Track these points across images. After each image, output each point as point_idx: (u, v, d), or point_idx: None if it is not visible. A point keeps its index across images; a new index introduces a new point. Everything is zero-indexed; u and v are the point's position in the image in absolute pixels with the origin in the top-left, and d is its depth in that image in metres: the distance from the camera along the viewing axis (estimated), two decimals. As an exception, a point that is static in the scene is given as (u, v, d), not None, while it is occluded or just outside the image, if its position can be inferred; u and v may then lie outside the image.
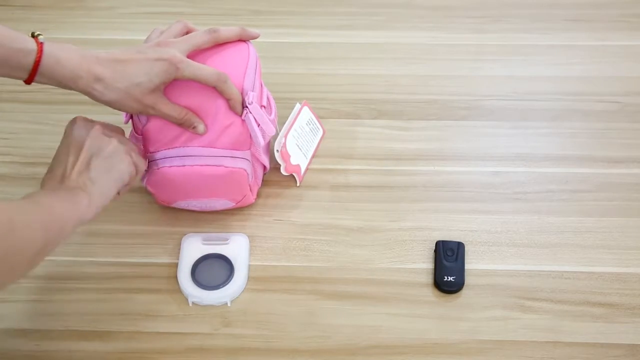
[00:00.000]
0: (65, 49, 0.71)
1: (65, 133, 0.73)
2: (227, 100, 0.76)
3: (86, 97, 0.99)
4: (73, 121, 0.74)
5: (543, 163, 0.92)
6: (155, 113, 0.75)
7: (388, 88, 1.03)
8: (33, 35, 0.70)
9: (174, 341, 0.76)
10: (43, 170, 0.91)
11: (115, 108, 0.75)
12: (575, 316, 0.77)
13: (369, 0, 1.18)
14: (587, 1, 1.17)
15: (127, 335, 0.76)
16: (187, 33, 0.79)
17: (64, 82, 0.71)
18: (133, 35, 1.11)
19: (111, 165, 0.71)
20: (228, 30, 0.79)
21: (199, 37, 0.77)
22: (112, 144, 0.72)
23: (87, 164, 0.70)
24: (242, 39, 0.80)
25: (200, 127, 0.76)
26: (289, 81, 1.03)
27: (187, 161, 0.77)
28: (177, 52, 0.73)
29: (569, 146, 0.94)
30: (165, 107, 0.75)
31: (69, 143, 0.72)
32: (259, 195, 0.87)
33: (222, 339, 0.76)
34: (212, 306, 0.78)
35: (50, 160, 0.91)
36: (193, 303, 0.78)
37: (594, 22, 1.13)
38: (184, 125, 0.76)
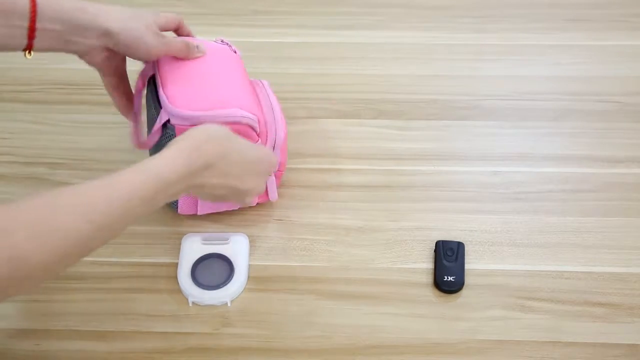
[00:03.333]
0: None
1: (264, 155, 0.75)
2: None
3: (86, 98, 0.99)
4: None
5: (543, 163, 0.92)
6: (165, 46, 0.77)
7: (388, 88, 1.03)
8: None
9: (174, 341, 0.75)
10: (43, 170, 0.92)
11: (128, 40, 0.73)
12: (575, 316, 0.77)
13: (369, 0, 1.18)
14: (587, 1, 1.17)
15: (127, 335, 0.76)
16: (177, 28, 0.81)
17: (70, 17, 0.68)
18: (133, 35, 1.11)
19: (231, 194, 0.72)
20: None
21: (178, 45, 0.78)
22: (255, 188, 0.74)
23: (225, 180, 0.69)
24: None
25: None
26: (289, 81, 1.03)
27: None
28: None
29: (569, 146, 0.95)
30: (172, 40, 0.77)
31: (253, 165, 0.73)
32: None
33: (222, 339, 0.76)
34: (212, 306, 0.78)
35: (49, 160, 0.92)
36: (193, 303, 0.78)
37: (594, 22, 1.13)
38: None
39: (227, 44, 0.86)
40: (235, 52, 0.86)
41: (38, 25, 0.66)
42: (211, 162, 0.66)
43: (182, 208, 0.83)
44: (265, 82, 0.87)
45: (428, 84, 1.04)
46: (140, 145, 0.80)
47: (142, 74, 0.82)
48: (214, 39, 0.86)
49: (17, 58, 1.08)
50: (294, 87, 1.02)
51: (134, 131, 0.81)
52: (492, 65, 1.06)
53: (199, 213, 0.84)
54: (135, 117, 0.82)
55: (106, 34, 0.71)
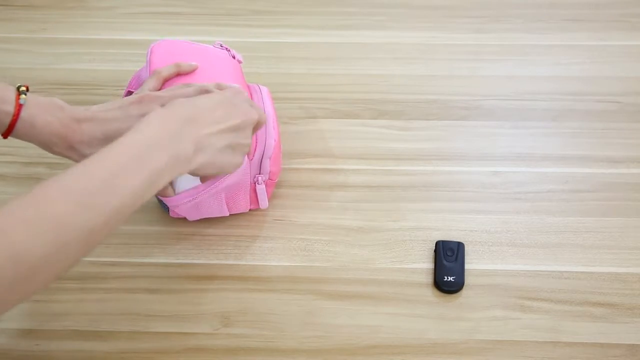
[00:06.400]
0: (44, 113, 0.68)
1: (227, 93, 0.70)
2: None
3: (86, 98, 0.99)
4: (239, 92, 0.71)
5: (543, 163, 0.92)
6: None
7: (388, 88, 1.03)
8: (18, 89, 0.68)
9: (174, 341, 0.76)
10: (43, 170, 0.92)
11: None
12: (575, 316, 0.77)
13: (369, 0, 1.18)
14: (587, 1, 1.17)
15: (127, 335, 0.76)
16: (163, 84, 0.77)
17: (39, 145, 0.70)
18: (133, 35, 1.12)
19: (234, 137, 0.67)
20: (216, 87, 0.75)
21: (183, 91, 0.72)
22: (251, 124, 0.69)
23: (217, 125, 0.65)
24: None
25: None
26: (289, 81, 1.03)
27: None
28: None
29: (569, 146, 0.95)
30: None
31: (229, 100, 0.68)
32: (259, 195, 0.87)
33: (222, 339, 0.76)
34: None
35: (49, 160, 0.92)
36: None
37: (594, 22, 1.13)
38: None
39: (227, 48, 0.86)
40: (234, 57, 0.85)
41: (13, 136, 0.69)
42: (188, 114, 0.64)
43: (174, 212, 0.83)
44: (264, 89, 0.85)
45: (428, 84, 1.04)
46: None
47: (137, 78, 0.82)
48: (213, 43, 0.86)
49: (17, 58, 1.08)
50: (294, 87, 1.02)
51: None
52: (492, 65, 1.06)
53: (189, 219, 0.84)
54: None
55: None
